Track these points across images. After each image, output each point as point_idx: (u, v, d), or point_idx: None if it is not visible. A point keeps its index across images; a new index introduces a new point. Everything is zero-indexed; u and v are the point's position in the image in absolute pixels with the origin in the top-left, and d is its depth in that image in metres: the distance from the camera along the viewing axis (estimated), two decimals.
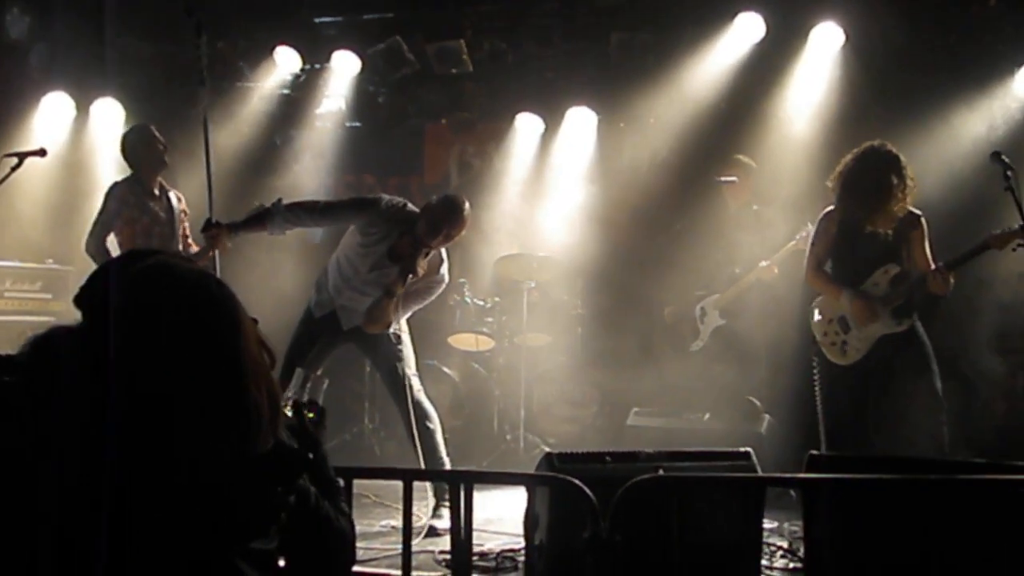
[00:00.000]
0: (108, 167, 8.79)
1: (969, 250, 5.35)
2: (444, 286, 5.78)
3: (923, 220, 5.60)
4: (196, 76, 5.67)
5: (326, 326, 5.62)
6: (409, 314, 5.73)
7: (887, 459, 4.78)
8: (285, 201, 5.48)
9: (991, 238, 5.23)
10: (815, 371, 5.73)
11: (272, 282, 7.67)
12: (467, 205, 5.53)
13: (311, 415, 2.49)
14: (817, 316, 5.80)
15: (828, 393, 5.66)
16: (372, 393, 7.95)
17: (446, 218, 5.42)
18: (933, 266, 5.43)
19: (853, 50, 7.55)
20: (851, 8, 7.45)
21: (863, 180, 5.52)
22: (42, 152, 6.43)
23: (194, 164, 8.00)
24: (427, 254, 5.51)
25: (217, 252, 5.47)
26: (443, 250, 5.66)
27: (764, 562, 4.28)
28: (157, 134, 6.63)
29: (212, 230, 5.39)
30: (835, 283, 5.68)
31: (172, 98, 8.61)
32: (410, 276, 5.43)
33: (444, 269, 5.71)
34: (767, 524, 4.74)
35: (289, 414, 2.37)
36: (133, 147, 6.62)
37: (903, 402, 5.50)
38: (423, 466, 5.42)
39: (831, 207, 5.70)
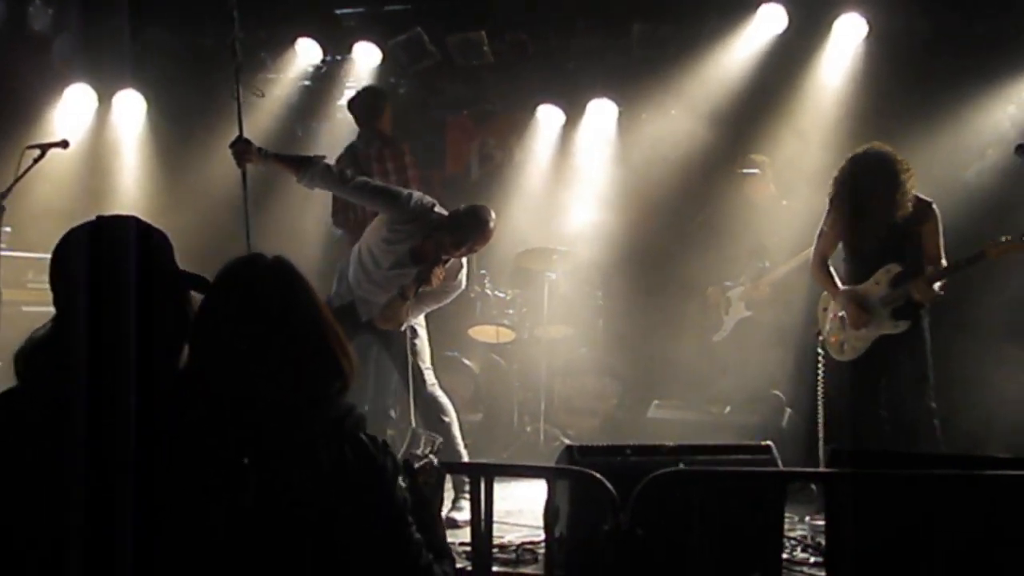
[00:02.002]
0: (130, 158, 8.84)
1: (963, 259, 5.29)
2: (459, 291, 5.79)
3: (934, 211, 5.49)
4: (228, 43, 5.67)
5: (344, 316, 5.62)
6: (422, 314, 5.74)
7: (910, 454, 4.75)
8: (327, 161, 5.50)
9: (988, 248, 5.15)
10: (820, 364, 5.70)
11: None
12: (493, 219, 5.53)
13: (428, 481, 2.53)
14: (823, 311, 5.79)
15: (827, 387, 5.64)
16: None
17: (470, 233, 5.42)
18: (944, 262, 5.37)
19: (877, 41, 7.48)
20: None
21: (850, 192, 5.46)
22: (64, 143, 6.46)
23: (217, 153, 8.07)
24: (447, 262, 5.50)
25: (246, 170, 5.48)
26: (464, 258, 5.65)
27: (785, 556, 4.26)
28: None
29: (240, 146, 5.38)
30: (834, 282, 5.65)
31: (194, 88, 8.63)
32: (425, 285, 5.44)
33: (463, 275, 5.71)
34: (788, 518, 4.72)
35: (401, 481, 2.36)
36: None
37: (895, 400, 5.46)
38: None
39: None
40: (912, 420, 5.37)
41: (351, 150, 7.24)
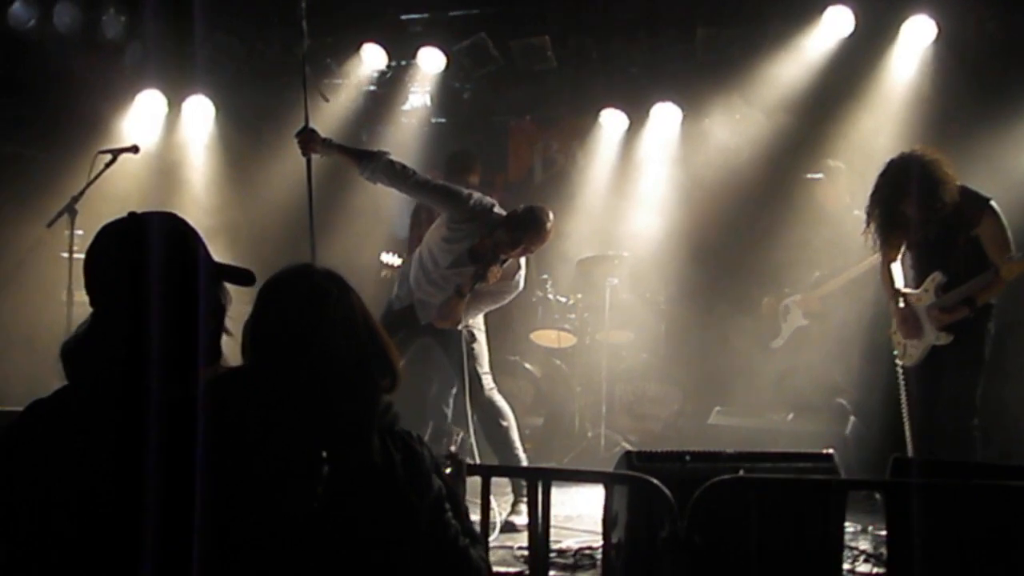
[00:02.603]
0: (199, 163, 8.98)
1: (976, 283, 5.12)
2: (517, 293, 5.83)
3: (991, 210, 5.20)
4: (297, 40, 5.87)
5: (405, 319, 5.67)
6: (480, 314, 5.77)
7: (976, 464, 4.67)
8: (390, 156, 5.58)
9: (1001, 267, 5.00)
10: (900, 368, 5.63)
11: (356, 275, 7.75)
12: (551, 219, 5.56)
13: (448, 469, 2.59)
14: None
15: (905, 394, 5.57)
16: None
17: (527, 232, 5.47)
18: (962, 288, 5.19)
19: (946, 44, 7.35)
20: (944, 0, 7.27)
21: (880, 201, 5.34)
22: (135, 149, 6.59)
23: (284, 157, 8.17)
24: (504, 261, 5.53)
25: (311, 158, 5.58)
26: (522, 259, 5.69)
27: (846, 566, 4.21)
28: None
29: (305, 135, 5.50)
30: (891, 290, 5.54)
31: (261, 94, 8.76)
32: (481, 282, 5.48)
33: (520, 276, 5.74)
34: (850, 527, 4.66)
35: None
36: None
37: (939, 408, 5.34)
38: (500, 463, 5.45)
39: None
40: (949, 437, 5.23)
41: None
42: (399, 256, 6.71)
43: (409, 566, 2.28)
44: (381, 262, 6.72)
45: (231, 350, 2.39)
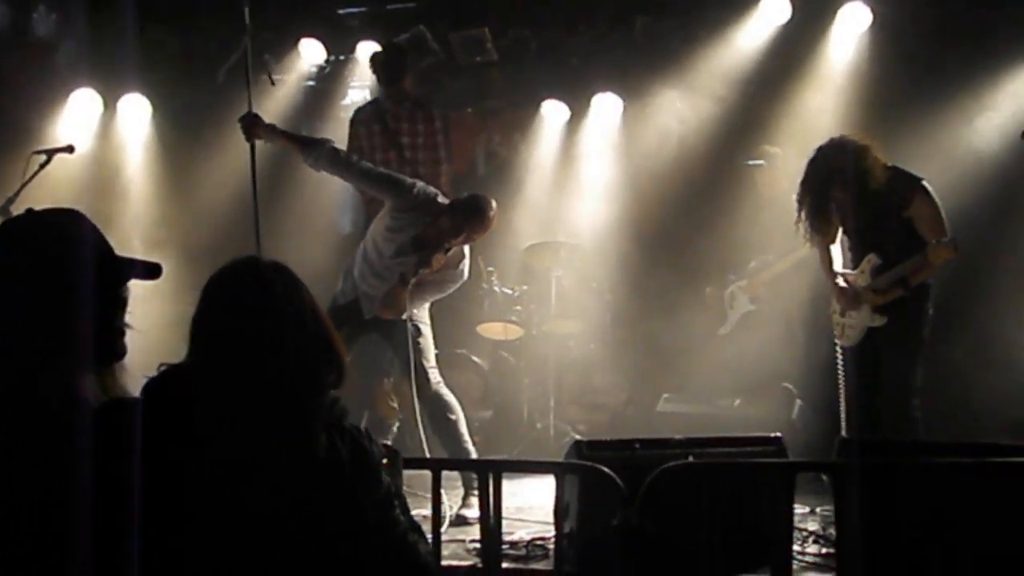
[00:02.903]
0: (136, 162, 8.85)
1: (906, 266, 5.18)
2: (461, 282, 5.82)
3: (924, 191, 5.24)
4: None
5: (349, 314, 5.63)
6: (426, 304, 5.76)
7: (920, 443, 4.74)
8: (334, 144, 5.57)
9: (929, 251, 5.06)
10: (838, 348, 5.68)
11: (299, 270, 7.69)
12: (493, 208, 5.58)
13: (385, 460, 2.56)
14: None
15: (842, 374, 5.63)
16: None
17: (469, 220, 5.48)
18: (892, 272, 5.26)
19: (881, 30, 7.44)
20: None
21: (807, 188, 5.41)
22: (70, 148, 6.47)
23: (223, 156, 8.07)
24: (448, 250, 5.53)
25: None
26: (466, 248, 5.68)
27: (796, 547, 4.25)
28: None
29: (248, 119, 5.49)
30: (830, 270, 5.60)
31: (199, 91, 8.64)
32: (425, 268, 5.47)
33: (464, 266, 5.74)
34: (799, 509, 4.71)
35: None
36: None
37: (880, 391, 5.40)
38: (449, 457, 5.44)
39: None
40: (891, 420, 5.28)
41: (375, 106, 7.07)
42: None
43: (357, 562, 2.26)
44: None
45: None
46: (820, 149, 5.38)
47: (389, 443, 2.88)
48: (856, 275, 5.46)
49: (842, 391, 5.67)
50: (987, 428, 6.36)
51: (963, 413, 6.53)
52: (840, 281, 5.51)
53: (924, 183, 5.28)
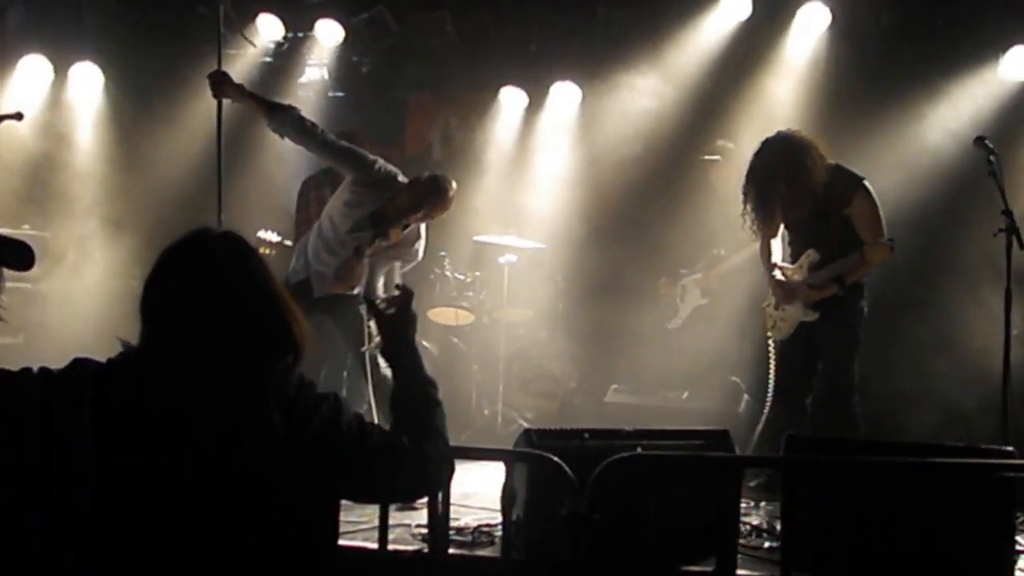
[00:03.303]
0: (85, 131, 8.70)
1: (845, 263, 5.20)
2: (415, 262, 5.81)
3: (864, 190, 5.27)
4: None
5: (299, 294, 5.57)
6: (377, 281, 5.72)
7: (867, 442, 4.80)
8: (300, 112, 5.56)
9: (866, 250, 5.10)
10: (770, 341, 5.70)
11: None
12: (453, 188, 5.59)
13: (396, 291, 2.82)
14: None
15: (772, 368, 5.65)
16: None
17: (428, 198, 5.48)
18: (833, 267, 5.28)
19: (840, 31, 7.51)
20: None
21: (752, 182, 5.42)
22: (19, 116, 6.31)
23: (178, 127, 7.95)
24: (406, 226, 5.51)
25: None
26: (423, 227, 5.66)
27: (741, 541, 4.28)
28: None
29: (218, 76, 5.47)
30: (768, 263, 5.62)
31: (153, 61, 8.51)
32: (381, 241, 5.45)
33: (420, 246, 5.73)
34: (743, 503, 4.73)
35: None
36: None
37: (818, 390, 5.44)
38: None
39: None
40: (830, 420, 5.31)
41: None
42: (277, 233, 6.64)
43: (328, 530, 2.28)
44: (258, 238, 6.64)
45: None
46: (765, 142, 5.41)
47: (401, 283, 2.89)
48: (794, 269, 5.49)
49: (770, 384, 5.69)
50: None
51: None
52: (777, 274, 5.54)
53: (865, 182, 5.30)
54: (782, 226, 5.63)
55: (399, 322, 2.75)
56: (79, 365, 2.18)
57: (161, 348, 2.20)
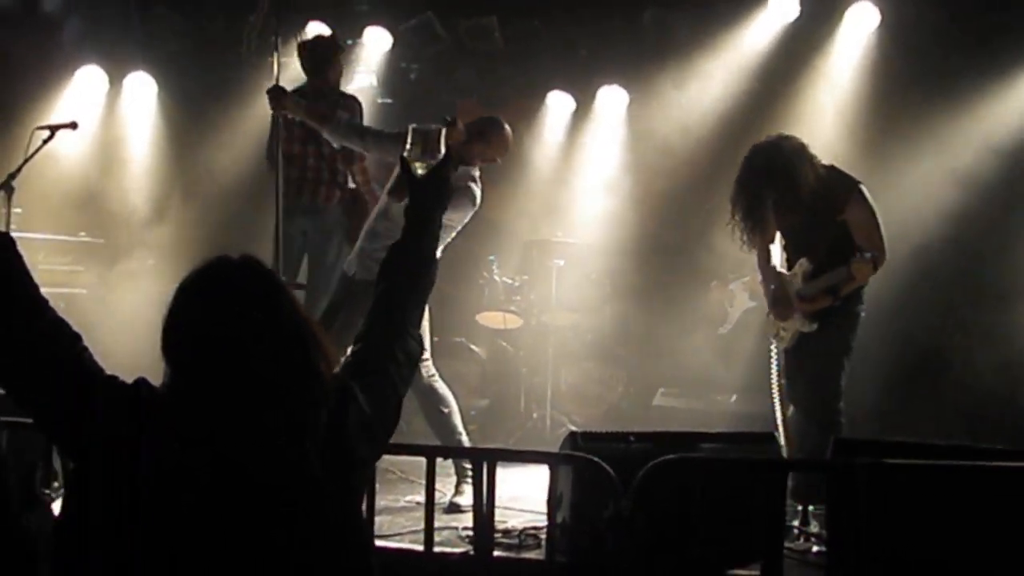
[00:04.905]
0: (139, 140, 8.85)
1: (835, 278, 4.97)
2: (473, 210, 5.50)
3: (860, 195, 5.00)
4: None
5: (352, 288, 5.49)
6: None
7: (914, 444, 4.73)
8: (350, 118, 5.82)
9: (852, 265, 4.84)
10: (772, 350, 5.53)
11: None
12: (506, 125, 5.63)
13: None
14: None
15: (775, 375, 5.51)
16: None
17: (487, 133, 5.54)
18: (824, 278, 5.06)
19: (888, 30, 7.44)
20: None
21: (741, 190, 5.18)
22: (74, 125, 6.47)
23: (228, 135, 8.06)
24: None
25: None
26: (476, 172, 5.53)
27: (788, 545, 4.26)
28: None
29: (276, 91, 5.65)
30: (765, 272, 5.43)
31: (204, 70, 8.64)
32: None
33: (477, 192, 5.48)
34: (791, 507, 4.71)
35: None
36: None
37: (804, 388, 5.25)
38: None
39: None
40: (814, 422, 5.10)
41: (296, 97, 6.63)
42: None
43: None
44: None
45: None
46: (756, 147, 5.15)
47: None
48: (790, 276, 5.30)
49: (775, 392, 5.55)
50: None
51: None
52: (772, 285, 5.35)
53: (861, 186, 5.04)
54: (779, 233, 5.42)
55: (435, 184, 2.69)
56: (144, 387, 2.14)
57: (189, 393, 2.11)
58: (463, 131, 5.45)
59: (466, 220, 5.49)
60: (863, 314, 5.21)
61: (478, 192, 5.46)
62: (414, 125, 2.81)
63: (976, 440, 6.03)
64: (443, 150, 2.72)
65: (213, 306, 2.15)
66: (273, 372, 2.12)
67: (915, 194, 6.82)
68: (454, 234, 5.44)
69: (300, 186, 6.50)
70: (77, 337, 2.17)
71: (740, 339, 7.17)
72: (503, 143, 5.59)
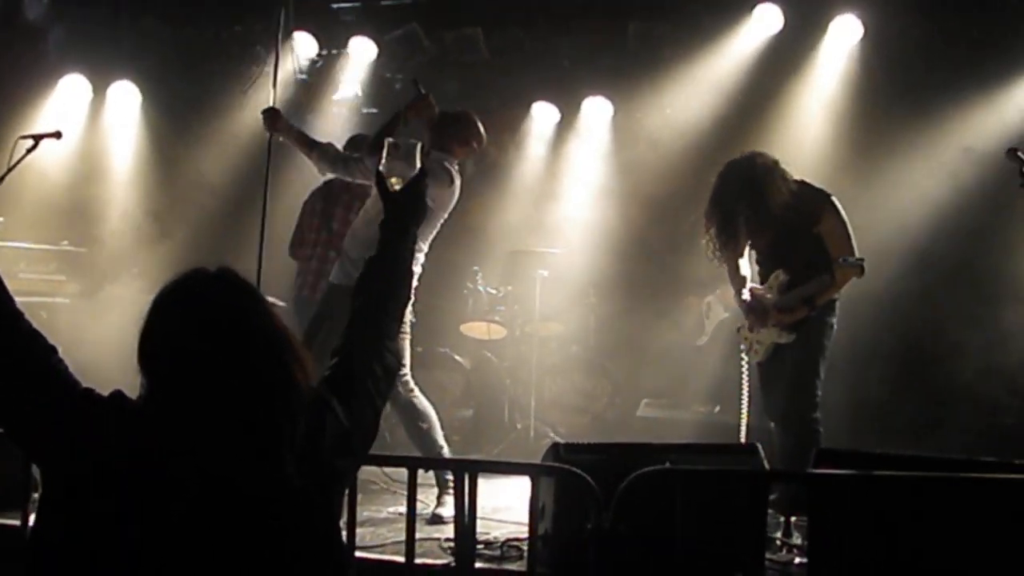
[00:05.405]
0: (123, 149, 8.83)
1: (812, 287, 5.07)
2: (452, 203, 5.54)
3: (832, 207, 5.14)
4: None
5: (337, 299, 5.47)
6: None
7: (895, 456, 4.75)
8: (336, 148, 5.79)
9: (835, 270, 4.96)
10: (744, 363, 5.59)
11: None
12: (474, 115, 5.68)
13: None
14: None
15: (746, 389, 5.57)
16: None
17: (457, 126, 5.58)
18: (798, 290, 5.16)
19: (872, 44, 7.49)
20: (870, 1, 7.39)
21: (714, 204, 5.31)
22: (58, 134, 6.42)
23: (213, 145, 8.05)
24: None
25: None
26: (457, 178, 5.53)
27: (769, 555, 4.26)
28: None
29: (271, 112, 5.72)
30: (737, 284, 5.49)
31: (189, 80, 8.63)
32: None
33: (456, 184, 5.52)
34: (773, 517, 4.72)
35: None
36: None
37: (781, 397, 5.30)
38: None
39: None
40: (792, 430, 5.17)
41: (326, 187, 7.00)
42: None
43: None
44: None
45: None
46: (729, 164, 5.29)
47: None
48: (764, 290, 5.38)
49: (743, 406, 5.59)
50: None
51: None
52: (746, 295, 5.42)
53: (832, 198, 5.18)
54: (748, 246, 5.50)
55: (409, 199, 2.69)
56: (120, 399, 2.12)
57: (166, 405, 2.09)
58: (435, 104, 5.60)
59: (450, 205, 5.53)
60: (835, 325, 5.26)
61: (455, 172, 5.51)
62: (390, 139, 2.81)
63: (966, 440, 6.10)
64: (419, 165, 2.72)
65: (188, 317, 2.13)
66: (249, 384, 2.10)
67: (896, 205, 6.87)
68: (439, 224, 5.50)
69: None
70: (52, 349, 2.16)
71: (723, 350, 7.18)
72: (477, 127, 5.63)
